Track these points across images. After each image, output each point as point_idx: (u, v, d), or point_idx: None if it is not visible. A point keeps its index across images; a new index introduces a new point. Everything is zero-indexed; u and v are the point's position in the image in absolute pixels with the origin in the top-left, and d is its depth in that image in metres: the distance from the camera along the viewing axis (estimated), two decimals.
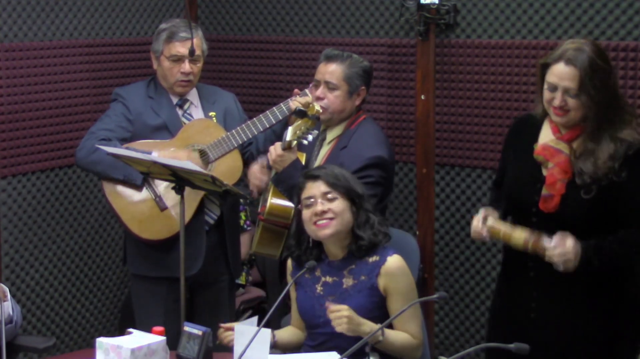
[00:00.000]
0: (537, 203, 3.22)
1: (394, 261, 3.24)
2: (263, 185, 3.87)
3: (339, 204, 3.24)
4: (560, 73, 3.15)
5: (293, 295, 3.39)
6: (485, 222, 3.24)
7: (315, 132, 3.69)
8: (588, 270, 3.14)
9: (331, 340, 3.20)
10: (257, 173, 3.88)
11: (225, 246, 4.03)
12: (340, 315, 3.06)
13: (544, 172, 3.25)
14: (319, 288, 3.29)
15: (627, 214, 3.18)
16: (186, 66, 3.92)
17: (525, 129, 3.38)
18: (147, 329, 3.06)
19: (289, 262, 3.43)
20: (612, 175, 3.14)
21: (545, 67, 3.21)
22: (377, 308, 3.21)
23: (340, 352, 3.02)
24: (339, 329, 3.06)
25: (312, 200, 3.25)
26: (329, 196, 3.24)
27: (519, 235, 3.17)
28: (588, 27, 4.10)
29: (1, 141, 4.23)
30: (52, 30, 4.42)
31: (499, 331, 3.36)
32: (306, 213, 3.26)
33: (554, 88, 3.17)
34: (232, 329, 3.18)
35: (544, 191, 3.21)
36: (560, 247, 3.10)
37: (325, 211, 3.22)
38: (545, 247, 3.12)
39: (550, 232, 3.16)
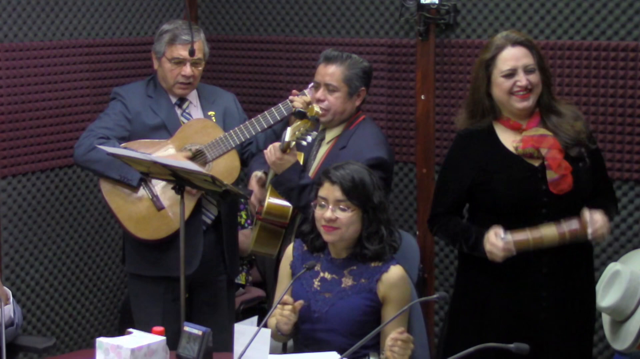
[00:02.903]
0: (545, 192, 3.24)
1: (396, 271, 3.22)
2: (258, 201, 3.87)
3: (349, 216, 3.19)
4: (514, 54, 3.25)
5: (286, 281, 3.36)
6: (504, 238, 3.21)
7: (315, 133, 3.69)
8: None
9: (324, 339, 3.20)
10: (255, 192, 3.86)
11: (222, 246, 4.02)
12: (410, 346, 2.97)
13: (534, 163, 3.27)
14: (316, 283, 3.28)
15: (599, 181, 3.36)
16: (187, 69, 3.91)
17: (475, 143, 3.37)
18: (146, 329, 3.06)
19: (289, 250, 3.41)
20: (592, 140, 3.33)
21: (489, 63, 3.27)
22: (372, 312, 3.20)
23: (340, 352, 3.02)
24: (396, 356, 2.95)
25: (324, 202, 3.22)
26: (341, 205, 3.19)
27: (550, 232, 3.18)
28: (588, 27, 4.11)
29: (1, 141, 4.23)
30: (52, 30, 4.42)
31: (498, 330, 3.34)
32: (317, 212, 3.24)
33: (512, 73, 3.25)
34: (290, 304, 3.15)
35: (552, 176, 3.23)
36: (599, 221, 3.17)
37: (333, 219, 3.19)
38: (584, 229, 3.15)
39: (562, 215, 3.21)
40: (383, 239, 3.23)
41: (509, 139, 3.32)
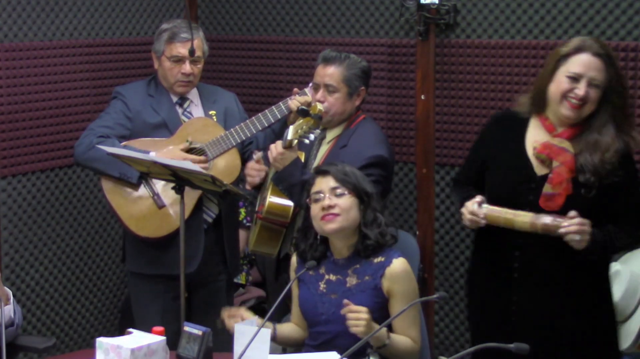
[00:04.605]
0: (532, 203, 3.20)
1: (399, 264, 3.24)
2: (259, 179, 3.85)
3: (347, 200, 3.24)
4: (588, 63, 3.13)
5: (295, 292, 3.39)
6: (480, 206, 3.21)
7: (318, 131, 3.70)
8: (590, 256, 3.14)
9: (333, 340, 3.21)
10: (253, 168, 3.86)
11: (223, 245, 4.03)
12: (359, 317, 3.04)
13: (538, 171, 3.24)
14: (322, 285, 3.29)
15: (624, 213, 3.20)
16: (187, 67, 3.92)
17: (507, 126, 3.34)
18: (146, 327, 3.06)
19: (294, 258, 3.43)
20: (613, 173, 3.14)
21: (562, 58, 3.18)
22: (379, 309, 3.21)
23: (341, 352, 3.03)
24: (353, 330, 3.04)
25: (320, 194, 3.26)
26: (337, 191, 3.25)
27: (523, 219, 3.13)
28: (588, 27, 4.10)
29: (1, 141, 4.23)
30: (52, 30, 4.42)
31: (482, 332, 3.34)
32: (314, 208, 3.27)
33: (576, 78, 3.14)
34: (235, 316, 3.21)
35: (548, 190, 3.18)
36: (578, 224, 3.07)
37: (332, 205, 3.22)
38: (558, 223, 3.07)
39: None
40: (382, 226, 3.27)
41: (534, 137, 3.27)
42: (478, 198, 3.24)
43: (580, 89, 3.13)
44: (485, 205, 3.21)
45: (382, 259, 3.25)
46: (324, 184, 3.27)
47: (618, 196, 3.19)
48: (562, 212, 3.15)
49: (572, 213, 3.10)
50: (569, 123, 3.21)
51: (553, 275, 3.23)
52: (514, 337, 3.16)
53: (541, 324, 3.26)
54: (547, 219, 3.11)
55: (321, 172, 3.32)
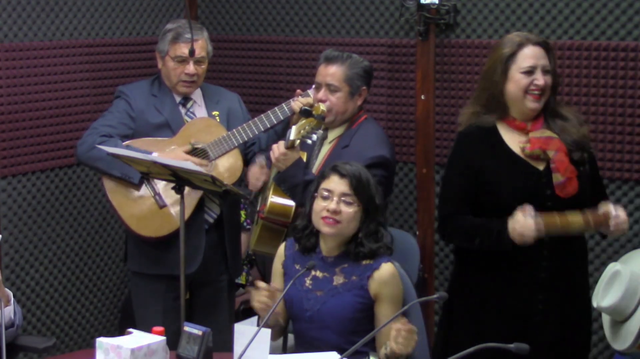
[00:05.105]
0: (552, 196, 3.25)
1: (387, 268, 3.22)
2: (260, 184, 3.87)
3: (352, 211, 3.20)
4: (535, 53, 3.28)
5: (278, 281, 3.37)
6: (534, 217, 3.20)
7: (320, 131, 3.70)
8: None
9: (318, 339, 3.20)
10: (256, 173, 3.88)
11: (224, 246, 4.03)
12: (414, 338, 2.94)
13: (539, 166, 3.29)
14: (307, 281, 3.28)
15: (596, 185, 3.43)
16: (190, 67, 3.92)
17: (480, 140, 3.36)
18: (147, 327, 3.06)
19: (281, 248, 3.42)
20: (589, 145, 3.36)
21: (509, 59, 3.28)
22: (364, 309, 3.21)
23: (327, 350, 3.03)
24: (401, 348, 2.94)
25: (328, 194, 3.23)
26: (347, 199, 3.20)
27: (576, 218, 3.21)
28: (588, 27, 4.11)
29: (1, 141, 4.23)
30: (52, 30, 4.42)
31: (493, 331, 3.35)
32: (318, 204, 3.24)
33: (531, 70, 3.26)
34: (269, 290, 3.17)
35: (558, 179, 3.24)
36: (621, 216, 3.22)
37: (338, 211, 3.20)
38: (606, 219, 3.20)
39: None
40: (381, 239, 3.24)
41: (513, 140, 3.32)
42: (527, 209, 3.18)
43: (539, 79, 3.26)
44: (538, 216, 3.19)
45: (371, 261, 3.23)
46: (336, 186, 3.22)
47: (593, 169, 3.40)
48: (579, 195, 3.27)
49: (610, 208, 3.21)
50: (533, 115, 3.32)
51: (575, 275, 3.35)
52: (537, 335, 3.22)
53: (564, 322, 3.33)
54: (596, 217, 3.22)
55: (338, 172, 3.24)
